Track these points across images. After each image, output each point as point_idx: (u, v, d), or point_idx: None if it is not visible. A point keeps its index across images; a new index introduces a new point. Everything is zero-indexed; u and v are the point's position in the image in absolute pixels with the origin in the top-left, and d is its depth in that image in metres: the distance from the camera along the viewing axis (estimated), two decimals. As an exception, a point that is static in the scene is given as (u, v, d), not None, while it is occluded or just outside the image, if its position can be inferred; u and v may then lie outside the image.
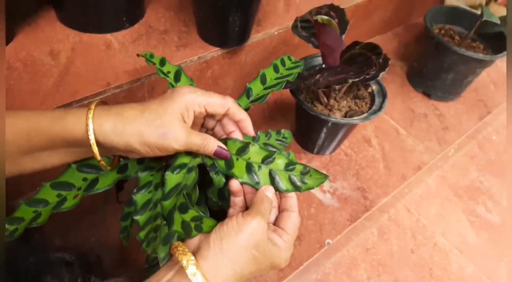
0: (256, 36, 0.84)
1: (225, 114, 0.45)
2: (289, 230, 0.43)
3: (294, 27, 0.73)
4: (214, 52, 0.79)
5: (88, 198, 0.46)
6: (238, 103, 0.55)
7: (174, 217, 0.42)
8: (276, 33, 0.88)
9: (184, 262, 0.36)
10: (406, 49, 1.24)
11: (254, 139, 0.55)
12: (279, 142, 0.56)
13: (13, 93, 0.63)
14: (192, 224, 0.42)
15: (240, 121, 0.46)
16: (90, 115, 0.37)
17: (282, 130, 0.57)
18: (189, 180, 0.43)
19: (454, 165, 1.03)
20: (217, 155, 0.44)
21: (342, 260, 0.80)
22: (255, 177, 0.44)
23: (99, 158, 0.40)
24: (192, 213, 0.42)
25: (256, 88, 0.57)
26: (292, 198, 0.45)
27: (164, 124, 0.39)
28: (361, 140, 0.95)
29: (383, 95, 0.78)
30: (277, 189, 0.42)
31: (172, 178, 0.42)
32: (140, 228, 0.42)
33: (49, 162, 0.41)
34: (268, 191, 0.43)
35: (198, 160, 0.45)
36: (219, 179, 0.45)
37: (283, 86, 0.57)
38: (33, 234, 0.44)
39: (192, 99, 0.41)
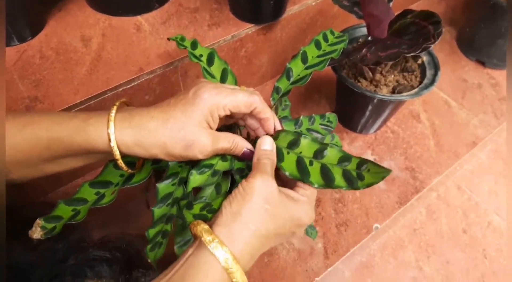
0: (292, 9, 0.79)
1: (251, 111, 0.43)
2: (304, 185, 0.42)
3: (335, -4, 0.68)
4: (248, 29, 0.74)
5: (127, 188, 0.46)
6: (278, 89, 0.52)
7: (185, 215, 0.42)
8: (313, 3, 0.82)
9: (200, 233, 0.37)
10: (454, 13, 1.14)
11: (296, 124, 0.51)
12: (323, 127, 0.52)
13: (47, 83, 0.62)
14: (204, 212, 0.42)
15: (263, 119, 0.44)
16: (112, 130, 0.37)
17: (327, 114, 0.53)
18: (209, 181, 0.43)
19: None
20: (245, 156, 0.44)
21: (388, 241, 0.76)
22: (306, 171, 0.40)
23: (126, 168, 0.41)
24: (197, 206, 0.42)
25: (297, 68, 0.52)
26: None
27: (188, 135, 0.38)
28: (408, 116, 0.89)
29: (435, 67, 0.71)
30: (329, 186, 0.39)
31: (196, 178, 0.42)
32: (152, 223, 0.41)
33: (71, 165, 0.42)
34: (264, 144, 0.43)
35: (226, 165, 0.44)
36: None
37: (327, 64, 0.52)
38: (70, 228, 0.44)
39: (215, 103, 0.39)
